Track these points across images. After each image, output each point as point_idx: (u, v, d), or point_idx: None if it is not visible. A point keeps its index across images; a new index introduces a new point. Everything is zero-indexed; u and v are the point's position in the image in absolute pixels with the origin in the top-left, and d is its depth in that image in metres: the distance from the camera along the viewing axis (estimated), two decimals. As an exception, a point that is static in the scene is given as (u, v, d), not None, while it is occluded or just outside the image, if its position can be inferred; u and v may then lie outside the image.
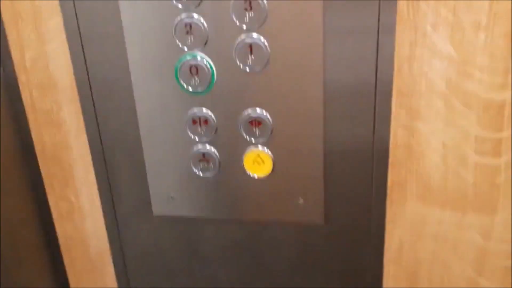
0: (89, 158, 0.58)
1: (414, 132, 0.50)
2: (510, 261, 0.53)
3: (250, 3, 0.47)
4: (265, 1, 0.47)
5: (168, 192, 0.58)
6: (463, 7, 0.44)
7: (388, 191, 0.53)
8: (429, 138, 0.50)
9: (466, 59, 0.46)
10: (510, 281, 0.54)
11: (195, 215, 0.59)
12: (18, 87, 0.56)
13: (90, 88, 0.55)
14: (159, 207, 0.59)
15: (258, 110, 0.52)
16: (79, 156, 0.59)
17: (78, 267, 0.66)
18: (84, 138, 0.57)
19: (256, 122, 0.52)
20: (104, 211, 0.61)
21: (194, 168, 0.56)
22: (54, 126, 0.58)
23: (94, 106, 0.56)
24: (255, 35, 0.48)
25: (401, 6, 0.45)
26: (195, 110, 0.53)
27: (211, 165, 0.55)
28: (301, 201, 0.56)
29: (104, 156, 0.58)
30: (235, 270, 0.62)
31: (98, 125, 0.57)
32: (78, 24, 0.51)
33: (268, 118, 0.52)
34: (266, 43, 0.48)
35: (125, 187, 0.59)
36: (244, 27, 0.48)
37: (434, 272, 0.56)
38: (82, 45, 0.53)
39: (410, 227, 0.54)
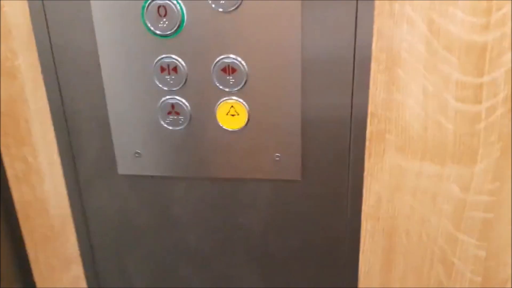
0: (47, 113, 0.54)
1: (394, 78, 0.48)
2: (488, 213, 0.52)
3: None
4: None
5: (134, 149, 0.55)
6: None
7: (367, 143, 0.51)
8: (410, 85, 0.48)
9: (449, -2, 0.44)
10: (488, 234, 0.53)
11: (163, 173, 0.55)
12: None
13: (49, 34, 0.50)
14: (124, 166, 0.56)
15: (232, 55, 0.49)
16: (37, 111, 0.54)
17: (36, 234, 0.62)
18: (42, 90, 0.53)
19: (230, 68, 0.49)
20: (64, 172, 0.57)
21: (162, 122, 0.52)
22: (8, 76, 0.53)
23: (53, 54, 0.51)
24: (228, -28, 0.45)
25: None
26: (163, 56, 0.49)
27: (181, 117, 0.52)
28: (277, 156, 0.53)
29: (64, 110, 0.54)
30: (206, 232, 0.59)
31: (57, 76, 0.52)
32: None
33: (243, 65, 0.49)
34: (240, -19, 0.45)
35: (88, 144, 0.55)
36: (217, -37, 0.45)
37: (412, 227, 0.54)
38: (40, -14, 0.48)
39: (389, 181, 0.53)
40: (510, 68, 0.46)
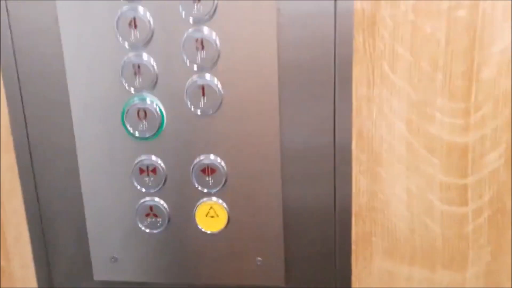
0: (23, 215, 0.53)
1: (376, 179, 0.47)
2: (487, 321, 0.48)
3: (201, 41, 0.45)
4: (217, 41, 0.45)
5: (111, 253, 0.52)
6: (419, 45, 0.43)
7: (353, 246, 0.49)
8: (393, 185, 0.47)
9: (426, 100, 0.44)
10: None
11: (141, 278, 0.53)
12: None
13: (27, 136, 0.50)
14: (100, 271, 0.53)
15: (212, 156, 0.48)
16: (12, 213, 0.53)
17: None
18: (18, 191, 0.52)
19: (209, 169, 0.48)
20: (37, 277, 0.54)
21: (140, 224, 0.51)
22: (-15, 179, 0.52)
23: (31, 157, 0.51)
24: (207, 76, 0.46)
25: (358, 45, 0.44)
26: (143, 157, 0.49)
27: (159, 220, 0.50)
28: (259, 260, 0.51)
29: (40, 212, 0.52)
30: None
31: (34, 178, 0.51)
32: (16, 65, 0.48)
33: (222, 166, 0.48)
34: (219, 85, 0.46)
35: (63, 248, 0.53)
36: (196, 67, 0.46)
37: (405, 338, 0.51)
38: (20, 90, 0.49)
39: (377, 286, 0.50)
40: (495, 169, 0.45)
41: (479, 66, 0.43)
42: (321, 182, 0.48)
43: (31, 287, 0.54)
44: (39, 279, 0.54)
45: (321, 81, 0.45)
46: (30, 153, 0.50)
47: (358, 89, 0.45)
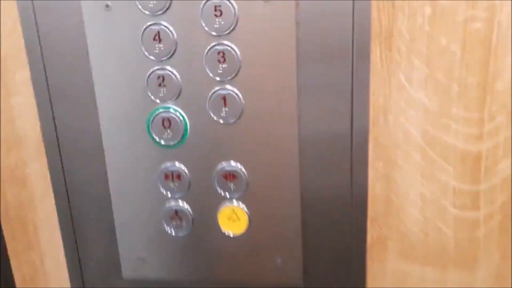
0: (55, 218, 0.55)
1: (392, 185, 0.49)
2: (498, 319, 0.51)
3: (223, 54, 0.47)
4: (238, 52, 0.46)
5: (139, 253, 0.55)
6: (435, 57, 0.44)
7: (368, 249, 0.51)
8: (408, 191, 0.49)
9: (441, 110, 0.46)
10: None
11: (167, 277, 0.56)
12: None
13: (58, 144, 0.53)
14: (129, 270, 0.56)
15: (233, 163, 0.50)
16: (45, 217, 0.56)
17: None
18: (50, 196, 0.55)
19: (231, 175, 0.51)
20: (70, 276, 0.57)
21: (166, 227, 0.53)
22: (18, 184, 0.55)
23: (62, 164, 0.53)
24: (228, 86, 0.48)
25: (374, 57, 0.45)
26: (168, 164, 0.51)
27: (184, 223, 0.53)
28: (279, 261, 0.53)
29: (71, 215, 0.55)
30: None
31: (65, 183, 0.54)
32: (46, 78, 0.50)
33: (243, 171, 0.50)
34: (240, 95, 0.48)
35: (93, 248, 0.56)
36: (218, 78, 0.47)
37: (419, 334, 0.53)
38: (51, 100, 0.51)
39: (392, 285, 0.52)
40: (507, 176, 0.46)
41: (494, 77, 0.44)
42: (338, 188, 0.50)
43: (64, 287, 0.58)
44: (72, 280, 0.57)
45: (338, 94, 0.47)
46: (61, 160, 0.53)
47: (375, 100, 0.47)
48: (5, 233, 0.57)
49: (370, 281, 0.52)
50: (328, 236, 0.52)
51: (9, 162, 0.54)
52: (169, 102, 0.49)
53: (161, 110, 0.49)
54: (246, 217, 0.52)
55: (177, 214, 0.53)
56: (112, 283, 0.57)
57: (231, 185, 0.51)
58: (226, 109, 0.48)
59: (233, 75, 0.47)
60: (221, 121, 0.49)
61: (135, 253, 0.55)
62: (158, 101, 0.49)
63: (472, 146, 0.46)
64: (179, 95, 0.49)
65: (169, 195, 0.52)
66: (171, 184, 0.52)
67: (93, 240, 0.55)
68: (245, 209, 0.52)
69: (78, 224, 0.55)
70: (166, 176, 0.52)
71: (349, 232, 0.51)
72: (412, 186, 0.48)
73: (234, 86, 0.48)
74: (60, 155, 0.53)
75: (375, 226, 0.50)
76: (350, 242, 0.51)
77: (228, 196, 0.51)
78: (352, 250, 0.52)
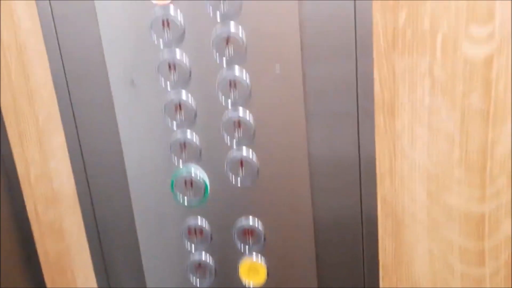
0: (90, 266, 0.61)
1: (401, 242, 0.52)
2: None
3: (238, 121, 0.51)
4: (251, 118, 0.50)
5: (168, 304, 0.60)
6: (435, 124, 0.47)
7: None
8: (416, 247, 0.51)
9: (444, 173, 0.48)
10: None
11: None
12: (23, 200, 0.59)
13: (92, 204, 0.58)
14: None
15: (251, 219, 0.54)
16: (81, 263, 0.61)
17: None
18: (85, 245, 0.60)
19: (249, 231, 0.55)
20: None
21: (191, 277, 0.58)
22: (56, 235, 0.60)
23: (96, 222, 0.58)
24: (244, 150, 0.52)
25: (379, 123, 0.48)
26: (191, 220, 0.55)
27: (207, 274, 0.57)
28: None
29: (105, 267, 0.60)
30: None
31: (100, 242, 0.59)
32: (79, 141, 0.55)
33: (260, 227, 0.54)
34: (255, 158, 0.52)
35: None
36: (234, 142, 0.52)
37: None
38: (84, 162, 0.56)
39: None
40: (509, 235, 0.49)
41: (493, 144, 0.47)
42: (351, 248, 0.53)
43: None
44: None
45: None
46: (96, 222, 0.58)
47: (381, 163, 0.50)
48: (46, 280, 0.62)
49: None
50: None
51: (47, 217, 0.59)
52: (190, 164, 0.53)
53: (183, 172, 0.54)
54: (264, 270, 0.56)
55: (200, 265, 0.57)
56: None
57: (250, 240, 0.55)
58: (243, 173, 0.52)
59: (249, 140, 0.51)
60: (239, 183, 0.53)
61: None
62: (181, 163, 0.53)
63: (475, 207, 0.49)
64: (200, 156, 0.53)
65: (193, 249, 0.56)
66: (195, 239, 0.56)
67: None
68: (263, 262, 0.55)
69: (112, 275, 0.60)
70: (189, 231, 0.56)
71: (362, 283, 0.54)
72: (419, 242, 0.51)
73: (250, 148, 0.52)
74: (94, 214, 0.58)
75: (387, 278, 0.53)
76: (362, 292, 0.54)
77: (247, 251, 0.55)
78: (365, 301, 0.55)
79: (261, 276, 0.56)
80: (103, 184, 0.57)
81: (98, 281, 0.61)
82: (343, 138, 0.50)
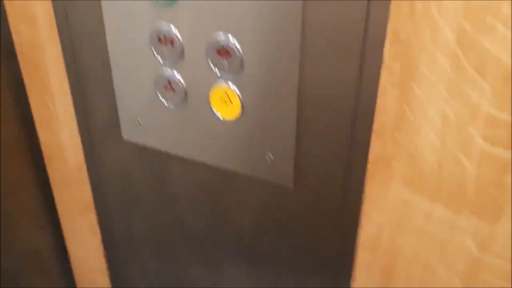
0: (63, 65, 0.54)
1: (408, 95, 0.38)
2: (506, 283, 0.40)
3: None
4: None
5: (135, 117, 0.52)
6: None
7: (370, 166, 0.42)
8: (426, 107, 0.38)
9: (486, 4, 0.33)
10: (510, 308, 0.42)
11: (161, 147, 0.53)
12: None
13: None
14: (128, 132, 0.54)
15: (229, 36, 0.43)
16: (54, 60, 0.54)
17: (58, 177, 0.64)
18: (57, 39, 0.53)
19: (225, 51, 0.43)
20: (78, 125, 0.57)
21: (159, 95, 0.49)
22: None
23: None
24: None
25: None
26: (161, 26, 0.45)
27: (177, 94, 0.48)
28: (270, 156, 0.47)
29: (76, 65, 0.53)
30: (200, 213, 0.55)
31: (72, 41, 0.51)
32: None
33: (238, 49, 0.43)
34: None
35: (97, 104, 0.54)
36: None
37: (413, 272, 0.45)
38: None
39: (392, 214, 0.43)
40: None
41: None
42: (343, 82, 0.40)
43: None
44: (80, 129, 0.57)
45: None
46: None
47: (400, -21, 0.34)
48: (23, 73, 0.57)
49: (367, 202, 0.44)
50: (325, 140, 0.43)
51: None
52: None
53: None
54: (239, 102, 0.45)
55: (170, 84, 0.48)
56: (114, 141, 0.55)
57: (225, 63, 0.44)
58: (223, -31, 0.40)
59: None
60: (216, -19, 0.40)
61: (133, 116, 0.52)
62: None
63: (523, 63, 0.33)
64: None
65: (162, 62, 0.47)
66: (165, 49, 0.46)
67: (97, 95, 0.53)
68: (238, 92, 0.45)
69: (83, 76, 0.53)
70: (160, 40, 0.46)
71: (348, 140, 0.42)
72: (433, 100, 0.37)
73: None
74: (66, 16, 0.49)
75: (380, 141, 0.41)
76: (349, 152, 0.43)
77: (220, 75, 0.45)
78: (350, 161, 0.43)
79: (235, 109, 0.46)
80: None
81: (71, 84, 0.55)
82: None
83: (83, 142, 0.58)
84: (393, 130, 0.40)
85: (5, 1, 0.53)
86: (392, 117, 0.39)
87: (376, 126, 0.40)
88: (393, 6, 0.36)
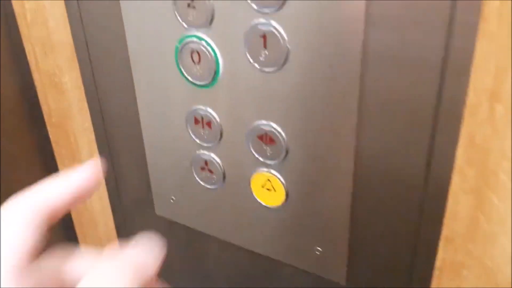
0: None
1: (484, 203, 0.33)
2: None
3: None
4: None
5: (169, 194, 0.48)
6: None
7: (436, 272, 0.37)
8: (505, 218, 0.32)
9: None
10: None
11: (196, 226, 0.48)
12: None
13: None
14: (161, 207, 0.50)
15: (272, 123, 0.38)
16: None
17: (88, 242, 0.61)
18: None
19: (267, 137, 0.39)
20: (110, 198, 0.54)
21: (195, 175, 0.45)
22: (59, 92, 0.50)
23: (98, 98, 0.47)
24: (272, 21, 0.34)
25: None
26: (198, 108, 0.41)
27: (215, 175, 0.44)
28: (318, 250, 0.42)
29: (108, 145, 0.50)
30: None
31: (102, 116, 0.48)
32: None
33: (282, 136, 0.38)
34: (282, 29, 0.34)
35: (129, 180, 0.51)
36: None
37: None
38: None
39: (459, 325, 0.38)
40: None
41: None
42: (408, 181, 0.35)
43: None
44: (112, 203, 0.53)
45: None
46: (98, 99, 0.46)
47: (478, 80, 0.29)
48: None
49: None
50: (384, 235, 0.38)
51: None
52: (198, 30, 0.37)
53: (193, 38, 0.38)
54: (283, 190, 0.40)
55: (206, 165, 0.43)
56: (146, 216, 0.52)
57: (267, 149, 0.39)
58: (266, 53, 0.35)
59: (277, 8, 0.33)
60: (258, 65, 0.36)
61: (166, 193, 0.48)
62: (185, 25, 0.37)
63: None
64: (211, 22, 0.36)
65: (198, 142, 0.42)
66: (201, 131, 0.42)
67: (129, 171, 0.50)
68: (282, 180, 0.40)
69: (115, 152, 0.49)
70: (196, 121, 0.42)
71: (412, 241, 0.37)
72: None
73: (276, 21, 0.34)
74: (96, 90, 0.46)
75: (450, 248, 0.35)
76: (414, 260, 0.37)
77: (262, 161, 0.40)
78: (413, 264, 0.38)
79: (278, 196, 0.41)
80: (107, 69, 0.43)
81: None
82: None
83: (114, 214, 0.55)
84: (466, 239, 0.34)
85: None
86: (464, 226, 0.34)
87: (446, 232, 0.35)
88: (469, 103, 0.30)
